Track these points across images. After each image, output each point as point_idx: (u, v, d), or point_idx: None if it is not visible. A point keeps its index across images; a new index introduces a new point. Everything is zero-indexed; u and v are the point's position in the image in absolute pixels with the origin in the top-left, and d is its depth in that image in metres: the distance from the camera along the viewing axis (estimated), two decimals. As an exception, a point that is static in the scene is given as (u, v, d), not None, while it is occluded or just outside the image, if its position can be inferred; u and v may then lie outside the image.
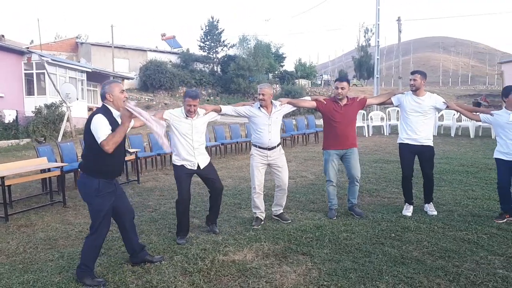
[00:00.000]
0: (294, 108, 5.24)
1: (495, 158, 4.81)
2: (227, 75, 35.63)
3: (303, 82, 41.71)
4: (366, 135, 14.24)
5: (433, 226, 4.55)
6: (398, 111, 14.94)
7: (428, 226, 4.54)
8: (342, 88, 4.91)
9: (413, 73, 5.07)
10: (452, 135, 13.34)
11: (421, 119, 4.95)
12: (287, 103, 4.98)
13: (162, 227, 4.89)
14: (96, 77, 22.99)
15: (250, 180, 5.07)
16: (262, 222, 4.83)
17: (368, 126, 14.59)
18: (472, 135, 13.06)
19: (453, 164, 8.35)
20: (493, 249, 3.84)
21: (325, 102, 5.04)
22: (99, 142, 3.18)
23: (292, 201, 5.81)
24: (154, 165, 9.36)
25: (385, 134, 14.57)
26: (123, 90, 3.48)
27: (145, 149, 9.67)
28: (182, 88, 34.35)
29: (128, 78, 28.44)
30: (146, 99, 30.15)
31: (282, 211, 5.04)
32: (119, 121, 3.34)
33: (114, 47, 32.45)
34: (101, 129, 3.22)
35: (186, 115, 4.29)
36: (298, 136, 12.82)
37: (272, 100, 4.81)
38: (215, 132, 11.19)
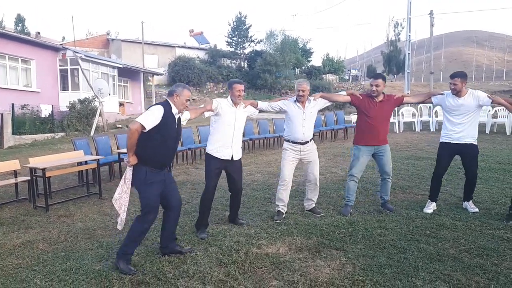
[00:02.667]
0: (329, 103, 5.23)
1: None
2: (253, 70, 35.67)
3: (330, 77, 41.28)
4: (397, 132, 13.98)
5: (469, 224, 4.45)
6: (430, 107, 14.64)
7: (465, 224, 4.45)
8: (377, 86, 4.86)
9: (452, 76, 4.90)
10: (487, 132, 12.91)
11: (463, 119, 4.83)
12: (320, 97, 4.97)
13: (195, 219, 4.98)
14: (126, 72, 23.52)
15: (278, 175, 5.10)
16: (284, 216, 4.85)
17: (399, 122, 14.32)
18: (508, 132, 12.60)
19: (489, 161, 8.09)
20: (535, 249, 3.73)
21: (360, 97, 4.99)
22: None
23: (323, 196, 5.80)
24: (184, 159, 9.52)
25: (417, 130, 14.26)
26: (189, 100, 3.75)
27: (176, 143, 9.84)
28: (209, 84, 34.69)
29: (157, 74, 28.94)
30: (175, 95, 30.59)
31: (314, 205, 5.05)
32: (176, 117, 3.67)
33: (144, 43, 33.05)
34: (147, 116, 3.46)
35: (233, 102, 4.43)
36: (326, 132, 12.73)
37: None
38: (259, 125, 11.33)
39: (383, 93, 4.95)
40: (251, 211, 5.28)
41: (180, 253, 3.80)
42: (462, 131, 4.82)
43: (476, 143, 4.91)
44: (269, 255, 3.74)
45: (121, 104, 22.40)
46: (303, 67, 42.89)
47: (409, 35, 21.82)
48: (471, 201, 5.05)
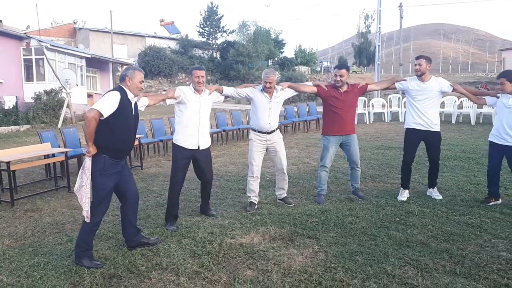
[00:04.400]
0: (295, 93, 5.24)
1: (489, 141, 4.88)
2: (226, 61, 35.46)
3: (303, 68, 41.54)
4: (367, 122, 14.25)
5: (436, 210, 4.61)
6: (399, 98, 14.99)
7: (432, 211, 4.60)
8: (341, 76, 4.92)
9: (418, 58, 5.06)
10: (453, 122, 13.36)
11: (427, 104, 4.96)
12: (287, 87, 4.98)
13: (168, 212, 4.93)
14: (95, 63, 22.86)
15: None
16: (256, 207, 4.87)
17: (369, 113, 14.60)
18: (473, 122, 13.08)
19: (455, 150, 8.39)
20: (497, 233, 3.90)
21: (326, 88, 5.04)
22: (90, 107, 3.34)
23: (296, 186, 5.86)
24: (156, 151, 9.38)
25: (386, 121, 14.59)
26: (143, 81, 3.63)
27: (147, 135, 9.68)
28: (181, 74, 34.21)
29: (127, 64, 28.25)
30: (145, 86, 30.01)
31: (285, 194, 5.10)
32: (133, 102, 3.55)
33: (113, 32, 32.16)
34: (103, 102, 3.37)
35: (195, 89, 4.36)
36: (299, 123, 12.83)
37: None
38: (216, 118, 11.18)
39: (347, 83, 5.01)
40: (225, 202, 5.27)
41: (147, 245, 3.74)
42: (426, 117, 4.96)
43: (439, 130, 5.07)
44: (243, 245, 3.75)
45: (89, 96, 21.78)
46: (276, 58, 42.93)
47: (379, 27, 22.19)
48: (435, 187, 5.22)
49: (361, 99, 14.64)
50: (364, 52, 52.01)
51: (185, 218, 4.63)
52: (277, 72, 35.03)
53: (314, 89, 5.09)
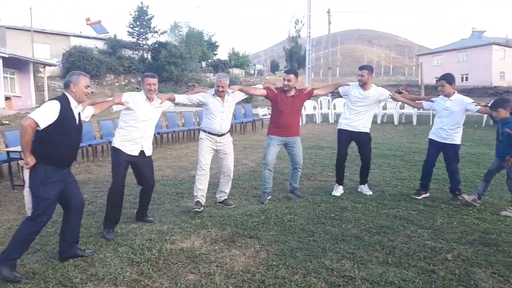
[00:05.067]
0: (246, 96, 5.31)
1: (428, 138, 5.28)
2: (158, 62, 34.56)
3: (237, 71, 41.79)
4: (300, 124, 14.68)
5: (368, 205, 4.88)
6: (329, 100, 15.68)
7: (364, 206, 4.86)
8: (288, 80, 5.06)
9: (361, 68, 5.35)
10: (379, 122, 14.26)
11: (364, 110, 5.28)
12: (238, 90, 5.01)
13: (101, 220, 4.67)
14: (13, 63, 21.06)
15: (192, 169, 5.03)
16: (202, 207, 4.82)
17: (301, 114, 15.07)
18: (396, 122, 14.08)
19: (381, 148, 8.96)
20: (422, 223, 4.23)
21: (275, 91, 5.15)
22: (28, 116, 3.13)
23: (235, 188, 5.87)
24: (85, 156, 8.87)
25: (317, 122, 15.18)
26: (89, 86, 3.47)
27: (75, 139, 9.10)
28: (109, 75, 32.74)
29: (49, 65, 26.37)
30: (71, 88, 28.29)
31: (226, 197, 5.09)
32: (76, 112, 3.37)
33: (34, 31, 29.89)
34: (41, 112, 3.15)
35: (147, 97, 4.21)
36: (236, 125, 12.88)
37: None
38: (167, 119, 10.91)
39: (295, 87, 5.15)
40: (162, 207, 5.13)
41: (82, 257, 3.53)
42: (360, 121, 5.27)
43: (369, 132, 5.40)
44: (183, 249, 3.68)
45: (7, 98, 20.01)
46: (210, 60, 42.75)
47: (309, 32, 23.05)
48: (366, 184, 5.54)
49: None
50: (295, 56, 53.56)
51: (120, 225, 4.42)
52: (210, 74, 34.93)
53: (264, 91, 5.19)
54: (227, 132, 4.91)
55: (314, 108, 15.88)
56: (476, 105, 4.91)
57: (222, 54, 64.77)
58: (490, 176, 4.79)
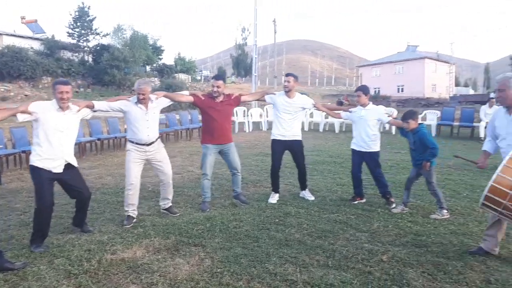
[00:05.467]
0: (172, 102, 5.21)
1: (351, 148, 5.56)
2: (100, 65, 33.30)
3: (183, 76, 41.34)
4: (247, 131, 14.84)
5: (310, 210, 5.04)
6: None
7: (306, 211, 5.01)
8: (218, 87, 5.07)
9: (287, 75, 5.53)
10: (321, 130, 14.78)
11: (291, 118, 5.43)
12: (163, 96, 4.90)
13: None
14: None
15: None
16: (134, 220, 4.65)
17: (248, 122, 15.23)
18: (337, 130, 14.66)
19: (323, 155, 9.28)
20: (360, 227, 4.44)
21: (202, 98, 5.13)
22: None
23: (180, 195, 5.80)
24: (18, 163, 8.31)
25: (264, 129, 15.40)
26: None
27: (7, 145, 8.51)
28: (46, 78, 30.99)
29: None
30: (2, 90, 26.38)
31: (170, 204, 5.01)
32: None
33: (-42, 27, 27.56)
34: None
35: (59, 107, 3.89)
36: (182, 131, 12.73)
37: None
38: (90, 126, 10.40)
39: (223, 93, 5.19)
40: (102, 217, 4.94)
41: (11, 270, 3.31)
42: (290, 129, 5.44)
43: (301, 139, 5.58)
44: (125, 260, 3.57)
45: None
46: (155, 65, 41.90)
47: (256, 40, 23.37)
48: (307, 189, 5.71)
49: (241, 109, 15.23)
50: (241, 64, 54.07)
51: (56, 236, 4.20)
52: (155, 79, 34.20)
53: (191, 98, 5.13)
54: (156, 140, 4.75)
55: (261, 115, 16.12)
56: (388, 117, 5.31)
57: (167, 58, 63.59)
58: (410, 184, 5.11)
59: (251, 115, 15.70)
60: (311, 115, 15.67)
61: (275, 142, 5.55)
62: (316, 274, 3.25)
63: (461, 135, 13.06)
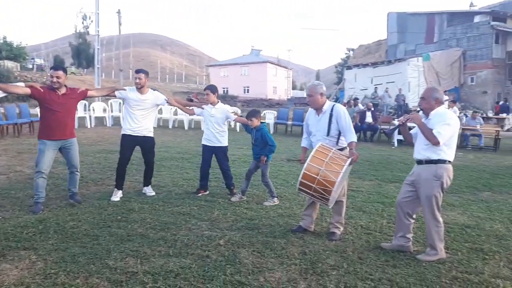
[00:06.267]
0: (4, 94, 4.70)
1: (202, 144, 5.87)
2: None
3: (9, 64, 35.96)
4: (89, 126, 13.91)
5: (154, 205, 5.13)
6: (120, 103, 15.33)
7: (151, 206, 5.09)
8: (57, 77, 4.75)
9: (138, 71, 5.47)
10: (170, 127, 14.84)
11: (143, 113, 5.45)
12: None
13: None
14: None
15: None
16: None
17: (90, 117, 14.27)
18: (186, 127, 14.93)
19: (171, 152, 9.41)
20: (201, 217, 4.74)
21: (41, 90, 4.75)
22: None
23: (6, 198, 5.20)
24: None
25: (108, 125, 14.65)
26: None
27: None
28: None
29: None
30: None
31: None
32: None
33: None
34: None
35: None
36: (8, 127, 11.18)
37: None
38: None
39: (65, 85, 4.90)
40: None
41: None
42: (142, 125, 5.46)
43: (152, 136, 5.66)
44: None
45: None
46: (-29, 49, 35.42)
47: (98, 30, 21.96)
48: (150, 186, 5.77)
49: (81, 103, 14.15)
50: (83, 53, 49.89)
51: None
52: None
53: (27, 90, 4.68)
54: None
55: (105, 110, 15.27)
56: (234, 115, 5.84)
57: (-11, 42, 54.39)
58: (250, 175, 5.71)
59: (93, 110, 14.74)
60: (160, 111, 15.57)
61: (125, 137, 5.46)
62: (157, 264, 3.39)
63: (294, 133, 14.80)
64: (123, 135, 5.50)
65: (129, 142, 5.47)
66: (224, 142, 5.78)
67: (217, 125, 5.68)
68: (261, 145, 5.48)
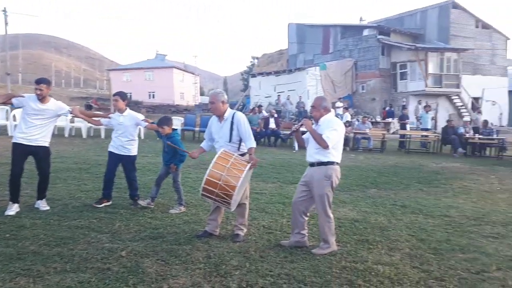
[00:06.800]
0: None
1: (108, 151, 5.65)
2: None
3: None
4: (-32, 136, 12.32)
5: (49, 220, 4.80)
6: (7, 110, 13.88)
7: (44, 221, 4.75)
8: None
9: (38, 82, 5.07)
10: (66, 135, 13.84)
11: (42, 123, 5.10)
12: None
13: None
14: None
15: None
16: None
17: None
18: (84, 135, 14.05)
19: (68, 162, 8.80)
20: (101, 229, 4.56)
21: None
22: None
23: None
24: None
25: (-7, 135, 13.15)
26: None
27: None
28: None
29: None
30: None
31: None
32: None
33: None
34: None
35: None
36: None
37: None
38: None
39: None
40: None
41: None
42: (39, 134, 5.10)
43: (48, 145, 5.32)
44: None
45: None
46: None
47: (-20, 29, 19.63)
48: (44, 199, 5.37)
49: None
50: (-40, 54, 44.02)
51: None
52: None
53: None
54: None
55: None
56: (145, 122, 5.73)
57: None
58: (160, 181, 5.69)
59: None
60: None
61: (17, 146, 5.04)
62: (52, 281, 3.20)
63: (201, 139, 14.79)
64: (15, 143, 5.07)
65: (21, 151, 5.06)
66: (134, 151, 5.64)
67: (127, 133, 5.53)
68: (171, 152, 5.46)
